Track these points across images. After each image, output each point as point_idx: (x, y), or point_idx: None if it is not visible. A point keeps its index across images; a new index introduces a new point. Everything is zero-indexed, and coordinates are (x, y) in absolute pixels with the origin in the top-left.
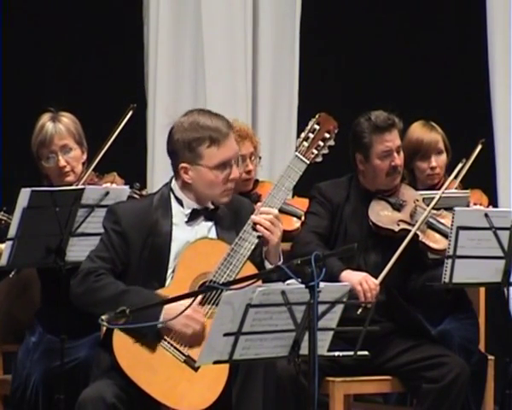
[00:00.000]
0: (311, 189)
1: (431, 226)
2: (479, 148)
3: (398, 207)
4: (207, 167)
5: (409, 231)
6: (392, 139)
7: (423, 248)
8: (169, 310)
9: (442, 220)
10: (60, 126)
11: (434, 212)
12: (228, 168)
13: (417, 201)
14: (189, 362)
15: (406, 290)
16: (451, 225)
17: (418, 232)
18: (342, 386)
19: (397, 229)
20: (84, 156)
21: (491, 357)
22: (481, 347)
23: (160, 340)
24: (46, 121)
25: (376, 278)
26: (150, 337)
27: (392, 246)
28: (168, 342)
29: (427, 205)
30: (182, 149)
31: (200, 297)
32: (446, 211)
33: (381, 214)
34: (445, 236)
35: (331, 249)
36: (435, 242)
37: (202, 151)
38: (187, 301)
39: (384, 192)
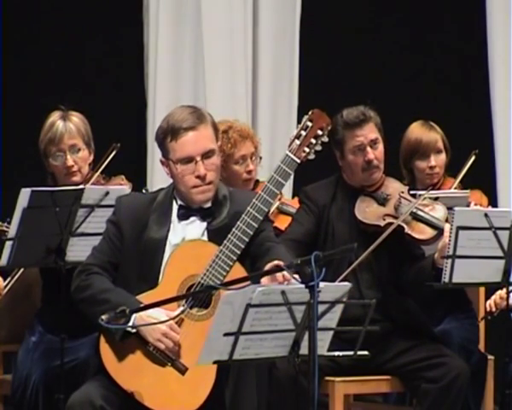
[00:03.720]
0: (299, 192)
1: (416, 217)
2: (472, 159)
3: (382, 202)
4: (172, 161)
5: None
6: (364, 134)
7: (410, 241)
8: (144, 317)
9: (426, 209)
10: (70, 125)
11: (419, 202)
12: (192, 163)
13: (402, 193)
14: (176, 365)
15: (401, 284)
16: (451, 225)
17: (403, 225)
18: (342, 386)
19: (383, 224)
20: (91, 158)
21: (491, 357)
22: (481, 347)
23: (146, 344)
24: (56, 119)
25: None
26: (117, 338)
27: (382, 242)
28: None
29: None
30: (158, 144)
31: (181, 308)
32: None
33: (367, 211)
34: (430, 225)
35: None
36: (420, 232)
37: (167, 145)
38: (163, 314)
39: (368, 188)
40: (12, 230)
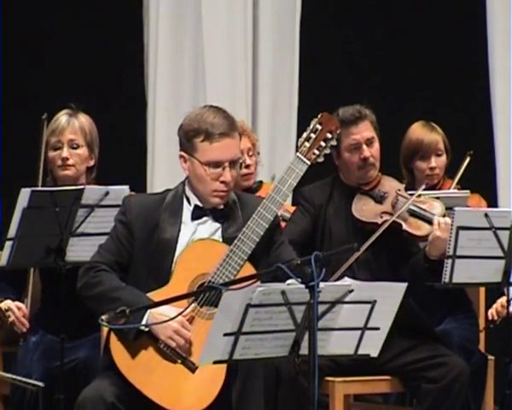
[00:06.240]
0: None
1: (413, 214)
2: (467, 160)
3: (379, 200)
4: (199, 161)
5: (392, 222)
6: (360, 132)
7: (408, 237)
8: (155, 314)
9: (423, 206)
10: (74, 121)
11: (414, 198)
12: (220, 168)
13: (399, 190)
14: (187, 363)
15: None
16: (451, 224)
17: (400, 221)
18: (342, 386)
19: (380, 221)
20: (92, 162)
21: (491, 357)
22: (481, 347)
23: (156, 341)
24: (63, 114)
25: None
26: (131, 337)
27: (379, 239)
28: (165, 344)
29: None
30: (182, 137)
31: (191, 306)
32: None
33: (364, 209)
34: (428, 221)
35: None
36: (418, 228)
37: (197, 144)
38: (173, 311)
39: (365, 186)
40: (12, 230)
